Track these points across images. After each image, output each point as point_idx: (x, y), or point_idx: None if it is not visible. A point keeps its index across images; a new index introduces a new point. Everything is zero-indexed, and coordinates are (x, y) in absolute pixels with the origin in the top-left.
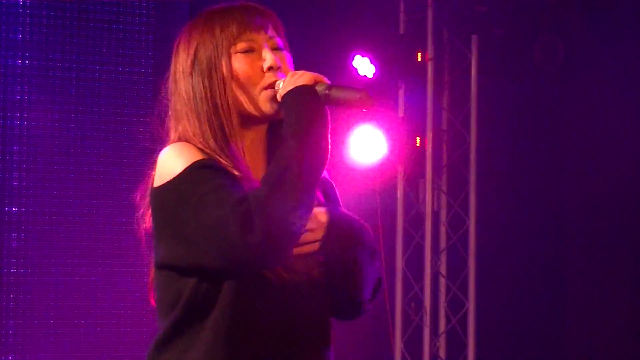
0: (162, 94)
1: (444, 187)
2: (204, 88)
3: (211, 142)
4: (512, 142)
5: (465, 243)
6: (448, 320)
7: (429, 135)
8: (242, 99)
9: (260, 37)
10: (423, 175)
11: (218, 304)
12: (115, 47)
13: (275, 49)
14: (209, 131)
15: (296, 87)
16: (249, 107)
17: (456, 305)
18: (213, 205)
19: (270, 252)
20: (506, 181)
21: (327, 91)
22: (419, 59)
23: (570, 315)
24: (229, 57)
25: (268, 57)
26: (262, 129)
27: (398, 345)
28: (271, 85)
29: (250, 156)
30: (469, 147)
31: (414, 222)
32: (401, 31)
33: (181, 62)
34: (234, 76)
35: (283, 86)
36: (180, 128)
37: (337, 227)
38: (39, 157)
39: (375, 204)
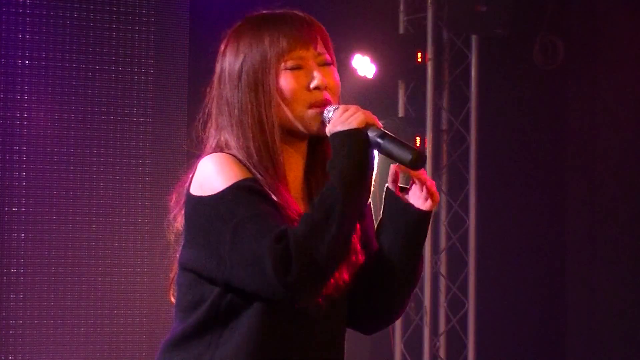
0: (203, 95)
1: (444, 187)
2: (250, 102)
3: (254, 158)
4: (512, 142)
5: (465, 243)
6: (448, 320)
7: (429, 135)
8: (288, 115)
9: (309, 54)
10: None
11: (244, 315)
12: (116, 47)
13: (323, 64)
14: (252, 147)
15: (348, 131)
16: (295, 124)
17: (456, 305)
18: (251, 235)
19: (304, 294)
20: (506, 181)
21: (378, 139)
22: (419, 59)
23: (570, 315)
24: (277, 74)
25: (316, 76)
26: (303, 143)
27: (398, 345)
28: (317, 105)
29: (290, 170)
30: (469, 147)
31: None
32: (401, 31)
33: (227, 69)
34: (280, 92)
35: (333, 122)
36: (222, 137)
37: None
38: (39, 157)
39: (376, 204)
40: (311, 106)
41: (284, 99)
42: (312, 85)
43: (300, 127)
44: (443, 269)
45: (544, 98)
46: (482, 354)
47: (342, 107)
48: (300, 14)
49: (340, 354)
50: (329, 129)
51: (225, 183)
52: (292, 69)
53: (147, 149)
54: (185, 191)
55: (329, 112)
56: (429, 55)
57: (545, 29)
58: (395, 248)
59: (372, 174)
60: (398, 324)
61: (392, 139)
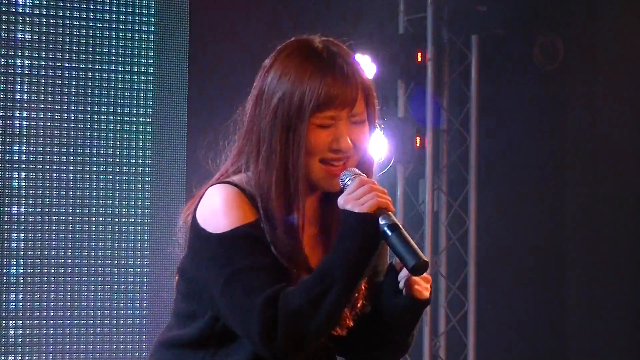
0: (238, 111)
1: (444, 187)
2: (280, 144)
3: (272, 202)
4: (512, 142)
5: (465, 243)
6: (448, 320)
7: (429, 135)
8: (309, 167)
9: (344, 114)
10: (423, 175)
11: (239, 342)
12: (115, 47)
13: (354, 123)
14: (273, 191)
15: (360, 216)
16: (311, 176)
17: (456, 305)
18: (242, 290)
19: (288, 357)
20: (506, 181)
21: (388, 230)
22: (419, 59)
23: (570, 315)
24: (308, 126)
25: (341, 141)
26: (317, 194)
27: None
28: (328, 162)
29: (307, 217)
30: (469, 147)
31: (414, 222)
32: (401, 31)
33: (266, 94)
34: (306, 144)
35: (347, 196)
36: (242, 163)
37: None
38: (40, 157)
39: None
40: (322, 162)
41: (307, 152)
42: (333, 147)
43: (312, 180)
44: (443, 269)
45: (544, 98)
46: (482, 354)
47: (358, 179)
48: (351, 63)
49: None
50: (342, 202)
51: (229, 225)
52: (321, 126)
53: (147, 149)
54: (192, 211)
55: (345, 178)
56: (429, 55)
57: (545, 29)
58: (388, 324)
59: (375, 257)
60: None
61: (401, 236)
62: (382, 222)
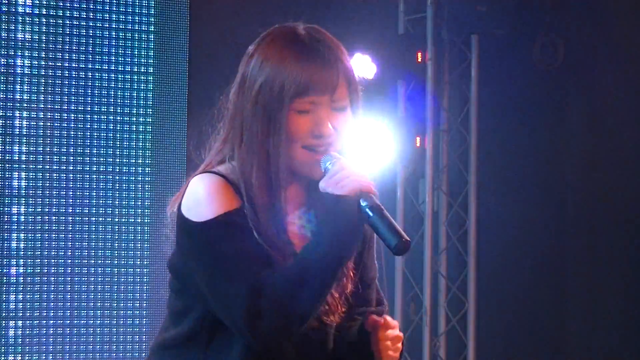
0: (221, 97)
1: (444, 187)
2: (261, 133)
3: (254, 187)
4: (512, 142)
5: (465, 243)
6: (448, 320)
7: (429, 135)
8: (291, 154)
9: (324, 99)
10: (423, 175)
11: (230, 334)
12: (115, 47)
13: (336, 109)
14: (254, 177)
15: (340, 198)
16: (294, 163)
17: (456, 305)
18: (227, 276)
19: (272, 344)
20: (506, 181)
21: (369, 211)
22: (419, 59)
23: (570, 315)
24: (288, 113)
25: (322, 127)
26: (304, 181)
27: None
28: (311, 149)
29: (290, 201)
30: (469, 147)
31: (414, 222)
32: (401, 31)
33: (248, 81)
34: (287, 131)
35: (327, 179)
36: (226, 151)
37: None
38: (40, 157)
39: None
40: (305, 148)
41: (288, 138)
42: (314, 132)
43: (296, 167)
44: (443, 269)
45: (544, 98)
46: (482, 354)
47: (338, 162)
48: (333, 49)
49: None
50: (322, 185)
51: (212, 213)
52: (301, 112)
53: (147, 149)
54: (178, 203)
55: (325, 162)
56: (429, 55)
57: (545, 29)
58: None
59: (357, 240)
60: (398, 324)
61: (382, 216)
62: (362, 203)
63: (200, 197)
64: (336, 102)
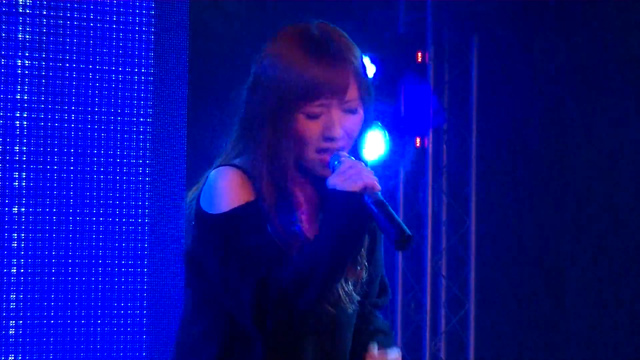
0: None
1: (444, 187)
2: (270, 134)
3: (265, 180)
4: (512, 142)
5: (465, 243)
6: (448, 320)
7: (429, 135)
8: (300, 155)
9: (334, 102)
10: (423, 175)
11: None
12: (115, 47)
13: (346, 110)
14: (264, 172)
15: (346, 193)
16: (304, 164)
17: (456, 305)
18: (238, 268)
19: (279, 335)
20: (506, 181)
21: (373, 207)
22: (419, 59)
23: (570, 315)
24: (297, 116)
25: (333, 130)
26: (317, 178)
27: (398, 345)
28: (325, 151)
29: (302, 192)
30: (469, 147)
31: (414, 222)
32: (401, 31)
33: (259, 85)
34: (295, 134)
35: (334, 177)
36: (241, 145)
37: None
38: (40, 157)
39: None
40: (319, 152)
41: (297, 140)
42: (325, 135)
43: (308, 168)
44: (443, 269)
45: (544, 98)
46: (482, 354)
47: (346, 161)
48: (345, 49)
49: None
50: (330, 182)
51: (227, 206)
52: (311, 116)
53: (147, 149)
54: (197, 196)
55: (334, 160)
56: (429, 55)
57: (545, 29)
58: None
59: (363, 236)
60: (398, 324)
61: (386, 212)
62: (367, 199)
63: (217, 190)
64: (347, 104)
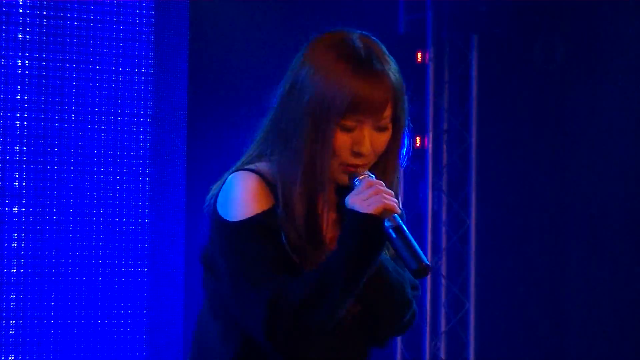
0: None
1: (444, 187)
2: (308, 142)
3: (295, 195)
4: (512, 142)
5: (465, 243)
6: (448, 320)
7: (429, 135)
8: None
9: (371, 120)
10: (423, 175)
11: None
12: (115, 47)
13: (378, 128)
14: (300, 184)
15: (365, 216)
16: (332, 174)
17: (456, 305)
18: (250, 279)
19: (289, 352)
20: (506, 181)
21: (392, 232)
22: (419, 59)
23: (570, 315)
24: (335, 127)
25: (362, 146)
26: (336, 187)
27: (398, 345)
28: (349, 165)
29: (326, 210)
30: (469, 147)
31: (414, 222)
32: (401, 31)
33: (298, 87)
34: (330, 145)
35: (354, 196)
36: (266, 151)
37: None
38: (39, 157)
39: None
40: (343, 164)
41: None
42: (354, 149)
43: (330, 177)
44: (443, 269)
45: (543, 98)
46: (482, 354)
47: (366, 180)
48: (385, 65)
49: None
50: (349, 201)
51: (243, 214)
52: (344, 129)
53: (147, 149)
54: (214, 198)
55: (354, 177)
56: (429, 55)
57: (545, 29)
58: None
59: (377, 258)
60: None
61: (405, 239)
62: (386, 224)
63: (234, 197)
64: (379, 122)
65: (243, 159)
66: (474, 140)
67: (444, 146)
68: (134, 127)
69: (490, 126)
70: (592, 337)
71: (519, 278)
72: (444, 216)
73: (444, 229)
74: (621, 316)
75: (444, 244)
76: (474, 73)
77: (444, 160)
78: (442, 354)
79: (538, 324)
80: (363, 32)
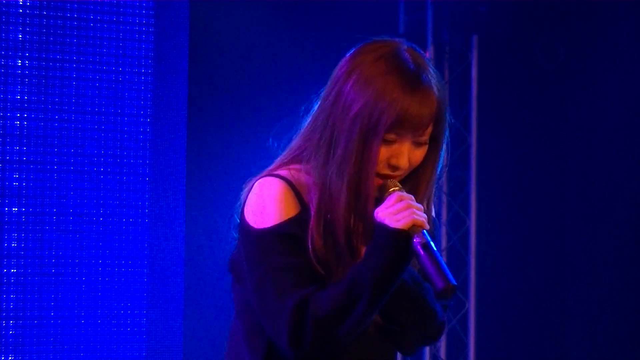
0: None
1: (444, 187)
2: (355, 154)
3: (336, 206)
4: (512, 142)
5: (465, 243)
6: (448, 320)
7: None
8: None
9: (411, 135)
10: None
11: None
12: (115, 47)
13: (416, 143)
14: (344, 195)
15: (394, 231)
16: None
17: (456, 305)
18: (275, 289)
19: (319, 355)
20: (506, 181)
21: (420, 249)
22: None
23: (570, 315)
24: (380, 143)
25: (400, 159)
26: None
27: None
28: (383, 176)
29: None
30: (469, 147)
31: None
32: (401, 31)
33: (345, 99)
34: (375, 157)
35: (383, 210)
36: (305, 153)
37: None
38: (39, 157)
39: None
40: (377, 175)
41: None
42: (391, 163)
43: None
44: None
45: (544, 98)
46: (482, 354)
47: (396, 194)
48: (432, 79)
49: None
50: (378, 214)
51: (269, 222)
52: (386, 141)
53: (147, 149)
54: (243, 203)
55: (390, 188)
56: (429, 55)
57: (545, 29)
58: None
59: (403, 273)
60: None
61: (432, 257)
62: (415, 240)
63: (261, 204)
64: (420, 137)
65: (274, 164)
66: (474, 140)
67: (444, 146)
68: (133, 127)
69: (490, 126)
70: (592, 337)
71: (519, 278)
72: (444, 216)
73: (444, 229)
74: (621, 316)
75: (444, 244)
76: (474, 73)
77: (444, 160)
78: (442, 354)
79: (538, 324)
80: (407, 42)
